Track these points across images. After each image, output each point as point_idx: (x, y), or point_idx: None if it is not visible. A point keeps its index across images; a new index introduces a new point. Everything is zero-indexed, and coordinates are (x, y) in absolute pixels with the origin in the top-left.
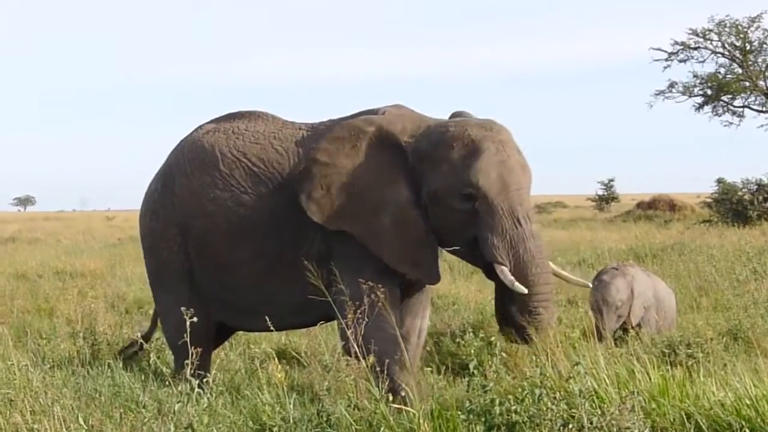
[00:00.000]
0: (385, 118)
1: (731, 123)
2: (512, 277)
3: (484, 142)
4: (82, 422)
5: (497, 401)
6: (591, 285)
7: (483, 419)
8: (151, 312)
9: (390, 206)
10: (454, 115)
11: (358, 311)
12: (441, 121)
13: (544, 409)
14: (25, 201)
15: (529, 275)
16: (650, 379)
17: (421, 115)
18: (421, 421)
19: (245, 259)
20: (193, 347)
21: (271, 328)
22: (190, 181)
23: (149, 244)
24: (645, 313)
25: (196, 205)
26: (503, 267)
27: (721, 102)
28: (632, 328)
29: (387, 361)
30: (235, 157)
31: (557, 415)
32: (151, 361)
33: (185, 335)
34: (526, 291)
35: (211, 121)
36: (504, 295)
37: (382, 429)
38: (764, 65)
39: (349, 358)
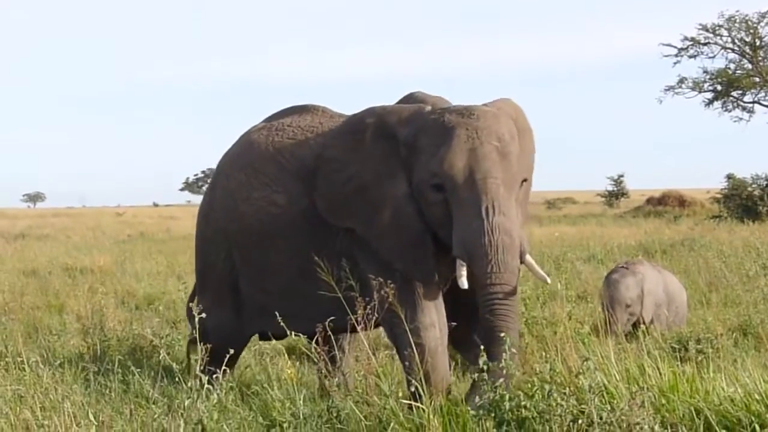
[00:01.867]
0: (385, 108)
1: (741, 118)
2: (463, 272)
3: (456, 129)
4: (92, 418)
5: (507, 397)
6: (548, 281)
7: (493, 415)
8: (162, 308)
9: (389, 201)
10: (406, 98)
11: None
12: (431, 108)
13: (554, 404)
14: (34, 197)
15: (482, 274)
16: (660, 374)
17: (434, 101)
18: (431, 416)
19: (281, 260)
20: (227, 349)
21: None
22: (228, 182)
23: (199, 246)
24: (656, 310)
25: (233, 206)
26: (461, 262)
27: (731, 98)
28: (644, 325)
29: (422, 358)
30: (269, 155)
31: (567, 410)
32: (161, 358)
33: (217, 339)
34: (465, 286)
35: (266, 119)
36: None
37: (392, 425)
38: None
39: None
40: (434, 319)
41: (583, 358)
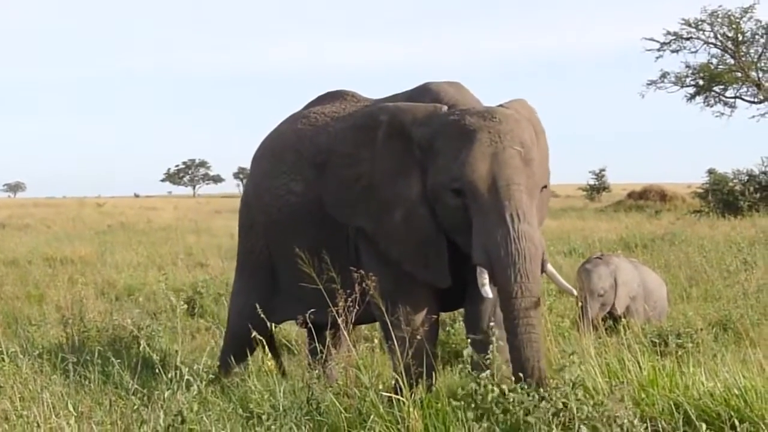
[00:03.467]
0: (399, 107)
1: (723, 113)
2: (485, 280)
3: (478, 133)
4: (71, 409)
5: (489, 389)
6: (574, 293)
7: (474, 407)
8: (142, 299)
9: (401, 202)
10: (419, 89)
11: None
12: (448, 109)
13: (535, 398)
14: (15, 187)
15: (507, 283)
16: (640, 369)
17: (456, 96)
18: (411, 409)
19: (305, 249)
20: (248, 333)
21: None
22: (256, 172)
23: (239, 233)
24: (632, 303)
25: (260, 196)
26: (483, 270)
27: (713, 92)
28: (619, 316)
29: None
30: (290, 143)
31: (548, 404)
32: (141, 348)
33: (240, 322)
34: (490, 295)
35: (304, 106)
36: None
37: (372, 417)
38: (756, 56)
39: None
40: (424, 316)
41: (565, 352)
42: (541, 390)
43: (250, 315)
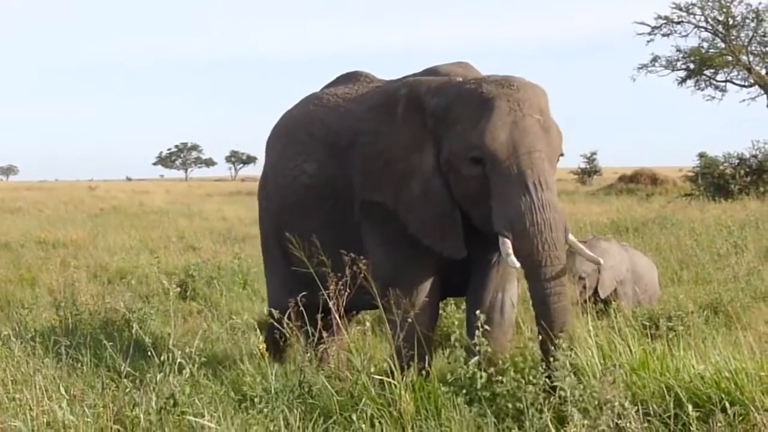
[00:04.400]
0: (416, 80)
1: (714, 97)
2: (509, 250)
3: (497, 100)
4: (63, 392)
5: (479, 373)
6: (601, 262)
7: (465, 391)
8: (134, 282)
9: (417, 174)
10: (427, 71)
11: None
12: (463, 79)
13: (526, 381)
14: (7, 170)
15: (534, 252)
16: (631, 352)
17: (466, 74)
18: (403, 392)
19: (314, 230)
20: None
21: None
22: (270, 154)
23: (259, 214)
24: (620, 287)
25: (273, 178)
26: (505, 239)
27: (704, 76)
28: (605, 300)
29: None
30: (303, 124)
31: (539, 387)
32: (134, 331)
33: (272, 305)
34: (518, 265)
35: (320, 89)
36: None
37: (363, 400)
38: (747, 40)
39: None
40: (423, 300)
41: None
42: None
43: (277, 297)
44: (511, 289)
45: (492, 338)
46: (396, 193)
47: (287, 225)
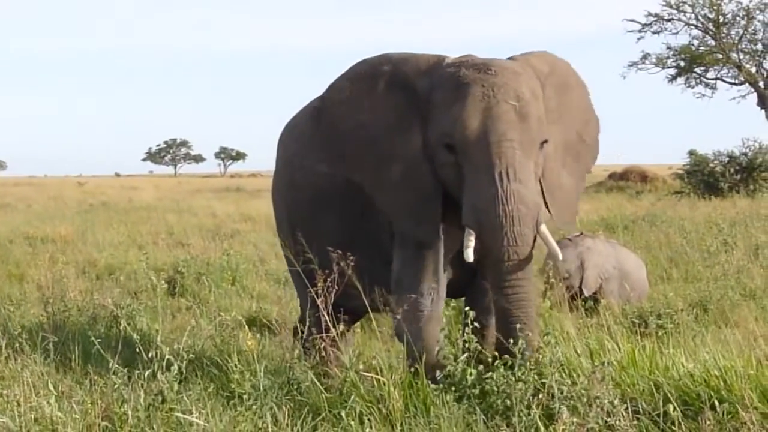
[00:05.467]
0: (402, 56)
1: (704, 95)
2: (470, 243)
3: (472, 86)
4: (52, 388)
5: (468, 370)
6: (560, 257)
7: (454, 388)
8: (123, 278)
9: (400, 156)
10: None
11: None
12: (450, 60)
13: (515, 379)
14: None
15: (496, 246)
16: (620, 349)
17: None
18: (392, 389)
19: (329, 230)
20: None
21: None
22: (285, 152)
23: (274, 215)
24: (606, 285)
25: (289, 176)
26: (470, 231)
27: (694, 74)
28: (590, 298)
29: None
30: (313, 122)
31: (528, 385)
32: (121, 328)
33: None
34: (471, 259)
35: None
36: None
37: (352, 397)
38: (737, 37)
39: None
40: (429, 289)
41: (543, 333)
42: (524, 367)
43: (301, 296)
44: None
45: (484, 340)
46: (374, 174)
47: (300, 225)
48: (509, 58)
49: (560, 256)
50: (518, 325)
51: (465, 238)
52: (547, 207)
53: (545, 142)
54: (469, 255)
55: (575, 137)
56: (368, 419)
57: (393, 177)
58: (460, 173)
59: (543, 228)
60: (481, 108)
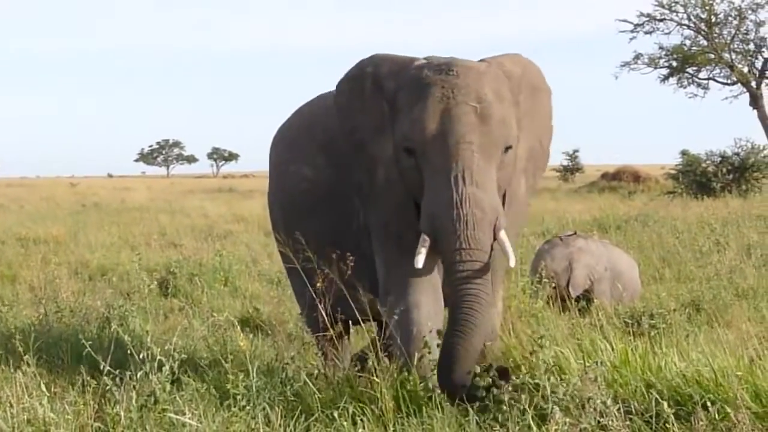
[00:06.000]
0: (381, 56)
1: (696, 95)
2: (423, 248)
3: (432, 87)
4: (44, 389)
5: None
6: (512, 263)
7: (446, 390)
8: (115, 279)
9: (382, 161)
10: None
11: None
12: (420, 61)
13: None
14: None
15: (448, 251)
16: (613, 350)
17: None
18: (384, 390)
19: (315, 235)
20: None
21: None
22: (275, 157)
23: (270, 218)
24: (597, 285)
25: (278, 181)
26: (426, 238)
27: (686, 74)
28: (582, 298)
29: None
30: (305, 125)
31: (520, 385)
32: (112, 329)
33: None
34: (419, 265)
35: None
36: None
37: (344, 398)
38: (729, 37)
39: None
40: (419, 299)
41: (537, 335)
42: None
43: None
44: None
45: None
46: (369, 178)
47: (291, 229)
48: (480, 60)
49: (512, 262)
50: (467, 327)
51: (419, 243)
52: None
53: (510, 146)
54: (419, 261)
55: (537, 146)
56: (361, 420)
57: (380, 182)
58: (420, 177)
59: (502, 234)
60: (440, 109)
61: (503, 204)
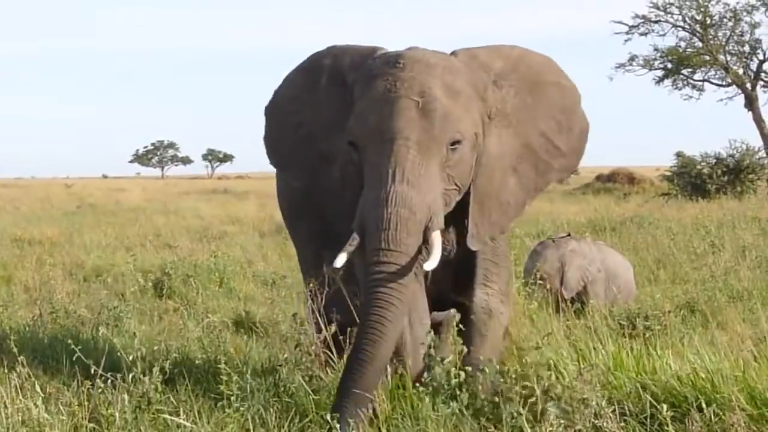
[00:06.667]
0: (341, 50)
1: (691, 96)
2: (347, 248)
3: (376, 80)
4: (38, 390)
5: (453, 373)
6: (427, 267)
7: (442, 390)
8: (110, 280)
9: (338, 158)
10: None
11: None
12: (382, 52)
13: (502, 381)
14: None
15: (369, 250)
16: (607, 351)
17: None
18: (379, 391)
19: (304, 241)
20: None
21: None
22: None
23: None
24: (591, 287)
25: (277, 184)
26: (355, 237)
27: (681, 76)
28: (577, 300)
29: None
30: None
31: (515, 387)
32: (107, 329)
33: None
34: (338, 265)
35: None
36: None
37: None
38: (724, 39)
39: None
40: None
41: (531, 336)
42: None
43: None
44: (484, 295)
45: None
46: (314, 173)
47: (290, 231)
48: (452, 52)
49: (427, 267)
50: (371, 339)
51: (347, 242)
52: (466, 215)
53: (458, 142)
54: (339, 260)
55: (540, 143)
56: (355, 421)
57: (333, 179)
58: (362, 174)
59: (434, 235)
60: (381, 103)
61: (475, 203)
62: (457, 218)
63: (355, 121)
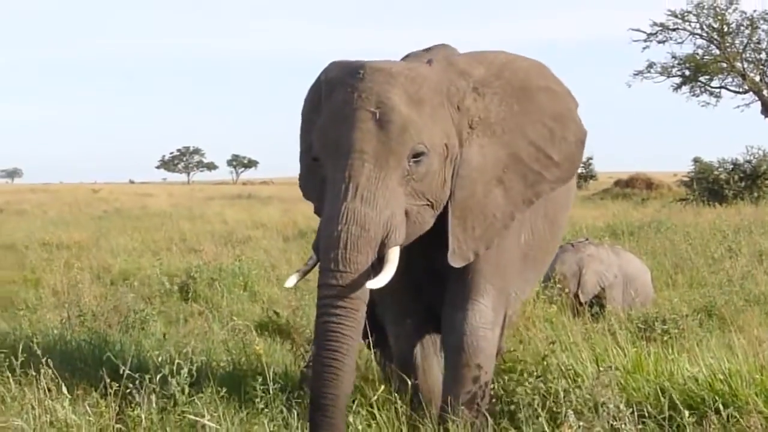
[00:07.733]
0: (334, 63)
1: (708, 103)
2: (306, 265)
3: (336, 91)
4: (66, 392)
5: None
6: (373, 285)
7: None
8: (137, 283)
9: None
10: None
11: None
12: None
13: (518, 383)
14: (12, 173)
15: (321, 270)
16: (625, 354)
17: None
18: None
19: None
20: None
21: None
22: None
23: None
24: (608, 291)
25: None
26: (312, 255)
27: (699, 83)
28: (596, 304)
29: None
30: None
31: (534, 390)
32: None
33: None
34: (289, 285)
35: None
36: None
37: (356, 401)
38: (741, 47)
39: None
40: (399, 330)
41: (549, 338)
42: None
43: None
44: (474, 307)
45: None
46: (319, 199)
47: None
48: (428, 60)
49: (374, 285)
50: (330, 379)
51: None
52: (446, 231)
53: (421, 154)
54: (290, 281)
55: (530, 152)
56: (376, 422)
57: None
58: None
59: (391, 252)
60: (339, 116)
61: (454, 217)
62: (442, 234)
63: (316, 136)
